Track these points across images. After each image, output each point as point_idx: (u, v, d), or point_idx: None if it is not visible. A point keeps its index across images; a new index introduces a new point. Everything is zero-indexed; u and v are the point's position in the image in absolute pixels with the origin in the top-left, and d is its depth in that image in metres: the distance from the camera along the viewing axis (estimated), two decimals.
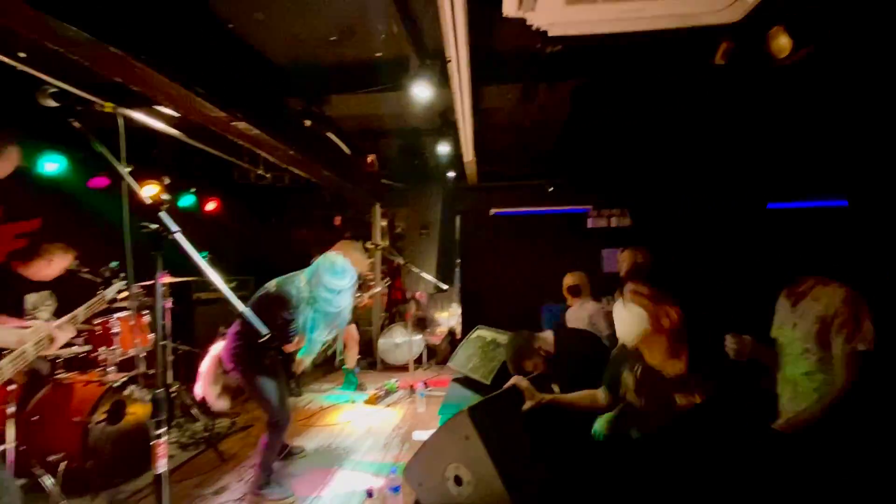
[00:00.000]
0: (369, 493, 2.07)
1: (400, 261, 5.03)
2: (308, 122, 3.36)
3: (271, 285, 2.60)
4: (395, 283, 6.49)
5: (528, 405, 1.79)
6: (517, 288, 5.89)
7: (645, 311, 1.42)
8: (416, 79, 2.71)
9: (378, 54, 3.00)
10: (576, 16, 1.90)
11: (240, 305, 1.26)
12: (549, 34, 2.12)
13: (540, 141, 4.58)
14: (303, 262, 5.78)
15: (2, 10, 1.61)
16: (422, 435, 3.40)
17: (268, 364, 2.54)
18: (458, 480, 1.59)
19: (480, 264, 6.24)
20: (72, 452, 2.52)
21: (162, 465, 1.11)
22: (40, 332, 1.49)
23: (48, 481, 2.39)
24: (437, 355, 5.92)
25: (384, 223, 6.65)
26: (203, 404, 2.78)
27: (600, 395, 1.90)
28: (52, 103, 1.26)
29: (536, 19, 1.93)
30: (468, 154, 4.23)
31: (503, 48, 2.86)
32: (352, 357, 4.75)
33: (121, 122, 1.27)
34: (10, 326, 1.54)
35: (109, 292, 1.62)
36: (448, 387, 3.42)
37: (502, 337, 3.44)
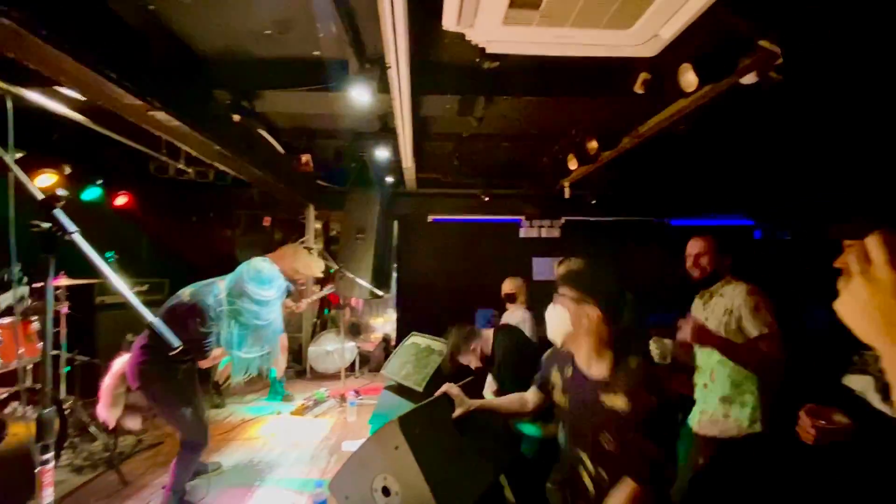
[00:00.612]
0: None
1: (333, 265, 4.89)
2: (237, 118, 3.17)
3: (185, 293, 2.36)
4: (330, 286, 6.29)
5: (457, 412, 1.81)
6: (453, 294, 5.97)
7: (568, 311, 1.49)
8: (355, 82, 2.67)
9: (316, 53, 2.92)
10: (512, 36, 1.98)
11: (148, 314, 1.15)
12: (487, 51, 2.19)
13: (478, 151, 4.70)
14: (226, 263, 5.42)
15: None
16: (351, 445, 3.31)
17: (180, 379, 2.31)
18: (385, 492, 1.56)
19: (417, 270, 6.25)
20: None
21: (48, 496, 0.98)
22: None
23: None
24: (370, 362, 5.82)
25: (318, 226, 6.44)
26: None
27: (530, 397, 1.95)
28: None
29: (475, 36, 1.99)
30: (407, 160, 4.23)
31: (444, 59, 2.91)
32: (279, 366, 4.52)
33: (9, 103, 1.12)
34: None
35: (3, 300, 1.34)
36: (380, 395, 3.37)
37: (437, 344, 3.46)
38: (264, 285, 2.30)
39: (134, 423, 2.33)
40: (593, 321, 1.43)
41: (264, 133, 4.03)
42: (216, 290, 2.33)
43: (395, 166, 4.83)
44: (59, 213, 1.03)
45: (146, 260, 5.25)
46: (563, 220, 6.15)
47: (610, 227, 6.12)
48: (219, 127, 3.25)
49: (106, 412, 2.32)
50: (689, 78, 2.37)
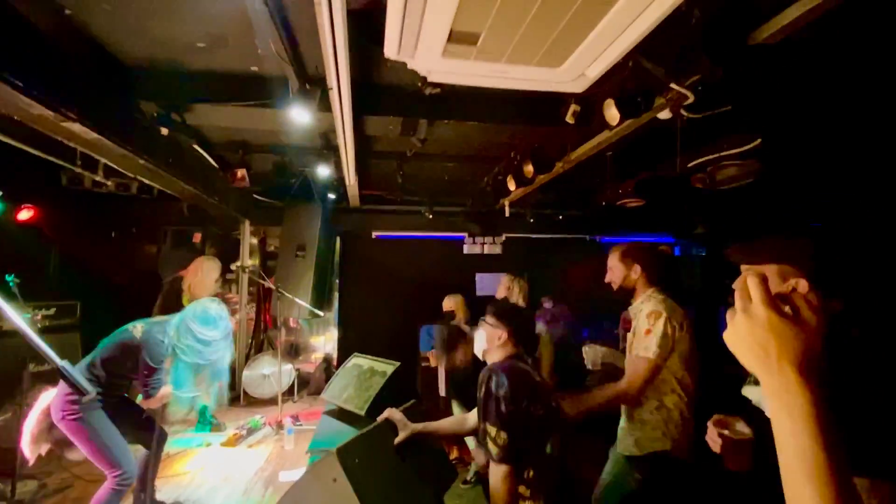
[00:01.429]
0: None
1: (270, 285, 4.70)
2: (165, 131, 2.99)
3: (137, 330, 2.33)
4: (264, 306, 6.02)
5: (399, 438, 1.81)
6: (397, 310, 5.94)
7: (485, 332, 1.85)
8: (295, 102, 2.63)
9: (254, 68, 2.84)
10: (451, 68, 2.06)
11: (57, 359, 1.05)
12: (428, 79, 2.26)
13: (422, 170, 4.77)
14: (148, 282, 5.03)
15: None
16: (289, 475, 3.17)
17: (110, 412, 2.23)
18: None
19: (360, 287, 6.16)
20: None
21: None
22: None
23: None
24: (310, 385, 5.61)
25: (254, 241, 6.16)
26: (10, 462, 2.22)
27: (470, 417, 2.00)
28: None
29: (416, 65, 2.05)
30: (350, 178, 4.19)
31: (387, 82, 2.95)
32: (208, 395, 4.23)
33: None
34: None
35: None
36: (319, 420, 3.26)
37: (380, 364, 3.41)
38: (209, 325, 2.34)
39: (75, 455, 2.13)
40: (503, 341, 1.82)
41: (196, 146, 3.83)
42: (168, 327, 2.31)
43: (338, 182, 4.77)
44: None
45: (54, 280, 4.73)
46: (504, 236, 6.36)
47: (548, 243, 6.41)
48: (144, 140, 3.05)
49: (30, 448, 2.15)
50: (612, 112, 2.58)
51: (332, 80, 2.30)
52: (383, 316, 5.96)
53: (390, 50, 1.91)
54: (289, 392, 5.22)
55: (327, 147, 3.99)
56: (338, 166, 4.18)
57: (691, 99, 2.37)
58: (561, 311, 5.05)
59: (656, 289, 2.20)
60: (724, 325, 0.75)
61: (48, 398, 2.24)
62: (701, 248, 6.89)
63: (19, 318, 0.96)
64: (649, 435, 2.02)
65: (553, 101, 3.04)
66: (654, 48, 2.24)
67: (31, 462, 2.23)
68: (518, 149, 4.07)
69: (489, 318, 1.88)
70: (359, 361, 3.87)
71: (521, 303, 3.60)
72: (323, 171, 4.32)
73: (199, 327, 2.30)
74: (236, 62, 2.79)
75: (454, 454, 4.12)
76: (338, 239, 6.11)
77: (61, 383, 2.18)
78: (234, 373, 5.25)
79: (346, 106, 2.58)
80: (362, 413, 3.21)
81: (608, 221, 6.42)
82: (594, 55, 1.95)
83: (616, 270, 2.28)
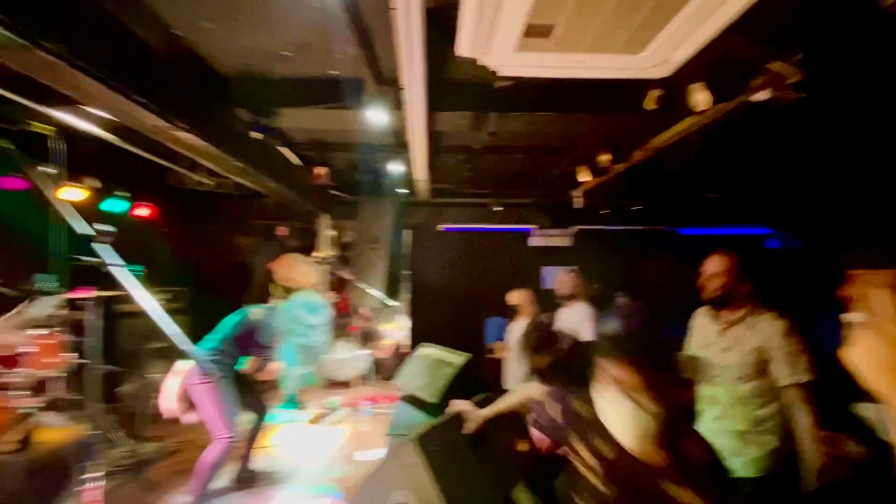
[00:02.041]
0: None
1: (347, 276, 4.97)
2: (257, 135, 3.26)
3: (255, 312, 2.72)
4: (341, 295, 6.38)
5: (469, 427, 1.85)
6: (464, 302, 6.02)
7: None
8: (371, 103, 2.74)
9: (333, 72, 3.00)
10: (525, 61, 2.03)
11: (188, 346, 1.22)
12: (499, 74, 2.25)
13: (490, 163, 4.76)
14: (241, 272, 5.53)
15: None
16: (364, 456, 3.37)
17: (224, 384, 2.57)
18: None
19: (428, 278, 6.31)
20: None
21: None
22: None
23: None
24: (383, 370, 5.88)
25: (332, 233, 6.54)
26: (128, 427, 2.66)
27: (534, 392, 1.88)
28: None
29: (488, 61, 2.04)
30: (420, 173, 4.30)
31: (457, 78, 2.97)
32: (285, 377, 4.60)
33: (59, 145, 1.20)
34: None
35: (34, 310, 1.41)
36: (396, 405, 3.42)
37: (449, 356, 3.50)
38: (313, 313, 2.62)
39: (190, 417, 2.53)
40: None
41: (280, 147, 4.13)
42: (278, 313, 2.73)
43: (408, 177, 4.90)
44: (101, 248, 1.10)
45: (168, 269, 5.39)
46: (575, 229, 6.16)
47: (622, 236, 6.10)
48: (238, 143, 3.36)
49: (172, 404, 2.57)
50: (700, 97, 2.39)
51: (406, 79, 2.37)
52: (450, 307, 6.07)
53: (463, 48, 1.93)
54: (364, 376, 5.51)
55: (398, 143, 4.11)
56: (408, 161, 4.30)
57: (795, 77, 2.13)
58: (636, 308, 4.81)
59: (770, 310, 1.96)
60: (822, 331, 0.68)
61: (185, 365, 2.57)
62: (798, 241, 6.15)
63: (163, 317, 1.12)
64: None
65: (630, 88, 2.88)
66: (748, 23, 2.04)
67: (171, 417, 2.66)
68: (591, 138, 3.92)
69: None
70: (427, 351, 4.00)
71: (587, 299, 3.52)
72: (394, 167, 4.46)
73: (305, 314, 2.65)
74: (317, 68, 2.97)
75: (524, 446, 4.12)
76: (406, 232, 6.30)
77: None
78: None
79: (418, 103, 2.64)
80: (435, 401, 3.32)
81: (690, 212, 5.96)
82: (680, 39, 1.82)
83: (718, 279, 2.01)
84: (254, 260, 6.02)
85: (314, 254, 5.99)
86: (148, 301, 1.12)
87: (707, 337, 2.07)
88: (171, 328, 1.14)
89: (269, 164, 4.05)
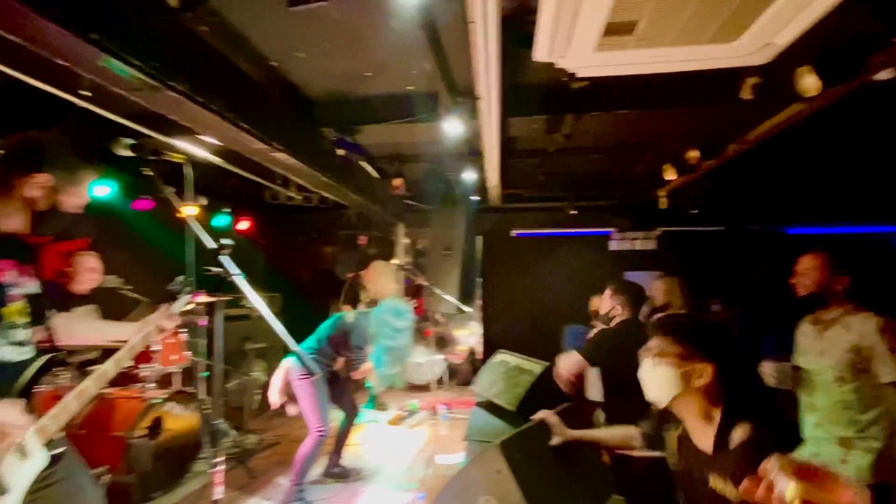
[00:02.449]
0: None
1: (423, 282, 5.11)
2: (341, 152, 3.50)
3: (349, 316, 2.96)
4: (416, 301, 6.57)
5: (555, 441, 1.81)
6: (539, 309, 5.90)
7: (673, 370, 1.25)
8: (447, 115, 2.82)
9: (409, 88, 3.14)
10: (605, 61, 1.97)
11: (294, 345, 1.36)
12: (578, 75, 2.20)
13: (564, 166, 4.64)
14: (326, 278, 5.89)
15: (68, 53, 1.78)
16: (445, 459, 3.43)
17: (327, 380, 2.86)
18: None
19: (502, 285, 6.28)
20: (114, 466, 2.64)
21: (219, 492, 1.19)
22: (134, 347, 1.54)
23: None
24: (458, 375, 5.95)
25: (407, 241, 6.77)
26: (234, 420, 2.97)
27: (635, 435, 1.73)
28: (127, 153, 1.40)
29: (566, 64, 2.01)
30: (493, 180, 4.31)
31: (530, 82, 2.96)
32: (374, 376, 4.82)
33: (189, 170, 1.40)
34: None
35: (178, 306, 1.66)
36: (472, 410, 3.44)
37: (526, 363, 3.45)
38: (399, 317, 2.97)
39: (292, 410, 2.85)
40: (704, 383, 1.19)
41: (362, 163, 4.38)
42: (369, 317, 2.95)
43: (480, 184, 4.94)
44: (225, 260, 1.26)
45: (263, 277, 5.94)
46: (659, 230, 5.78)
47: (713, 237, 5.61)
48: (325, 160, 3.62)
49: (275, 395, 2.90)
50: (809, 81, 2.15)
51: (481, 89, 2.40)
52: (524, 314, 5.98)
53: (540, 53, 1.92)
54: (439, 380, 5.62)
55: (471, 151, 4.17)
56: (480, 168, 4.34)
57: None
58: (731, 316, 4.39)
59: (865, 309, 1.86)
60: None
61: (289, 362, 2.89)
62: None
63: (274, 318, 1.25)
64: None
65: (720, 78, 2.66)
66: None
67: (275, 407, 2.98)
68: (677, 134, 3.67)
69: (672, 344, 1.27)
70: (505, 358, 3.97)
71: (681, 308, 3.24)
72: (467, 175, 4.53)
73: (393, 319, 2.92)
74: (394, 85, 3.12)
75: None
76: (479, 238, 6.34)
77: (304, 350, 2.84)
78: None
79: (493, 111, 2.67)
80: (513, 409, 3.30)
81: (797, 208, 5.31)
82: (786, 20, 1.66)
83: (809, 276, 1.93)
84: (338, 267, 6.45)
85: (392, 261, 6.26)
86: (262, 305, 1.26)
87: (806, 343, 2.00)
88: (281, 328, 1.27)
89: (351, 178, 4.31)
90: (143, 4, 1.95)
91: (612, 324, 2.97)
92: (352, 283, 3.23)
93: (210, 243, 1.28)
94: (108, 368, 1.42)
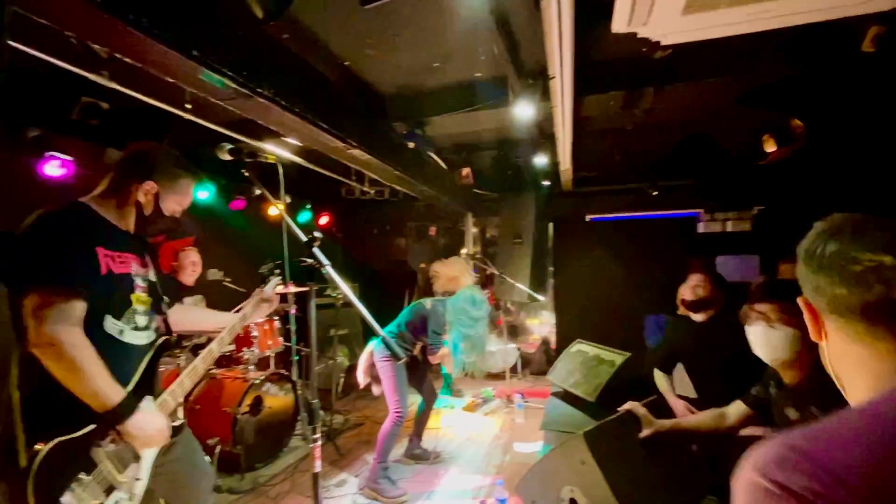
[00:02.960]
0: None
1: (493, 270, 5.09)
2: (412, 145, 3.57)
3: (426, 302, 3.11)
4: (487, 290, 6.57)
5: (645, 433, 1.73)
6: (617, 297, 5.62)
7: (790, 329, 1.41)
8: (517, 98, 2.76)
9: (477, 75, 3.11)
10: (693, 24, 1.80)
11: (378, 329, 1.43)
12: (662, 43, 2.03)
13: (644, 144, 4.34)
14: (399, 269, 6.07)
15: (174, 70, 1.98)
16: (523, 447, 3.42)
17: (407, 364, 3.04)
18: (573, 503, 1.59)
19: (575, 272, 6.06)
20: (224, 438, 2.97)
21: (318, 466, 1.29)
22: (234, 328, 1.74)
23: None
24: (531, 365, 5.88)
25: (475, 231, 6.78)
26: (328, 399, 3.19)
27: (731, 412, 1.75)
28: (227, 157, 1.54)
29: (648, 32, 1.87)
30: (565, 163, 4.16)
31: (606, 58, 2.79)
32: (450, 363, 4.91)
33: (280, 169, 1.50)
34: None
35: (269, 287, 1.90)
36: (548, 400, 3.39)
37: (606, 353, 3.32)
38: (476, 307, 2.98)
39: (377, 390, 3.03)
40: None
41: (432, 154, 4.44)
42: (446, 304, 3.04)
43: (552, 168, 4.78)
44: (317, 251, 1.35)
45: (341, 268, 6.29)
46: (754, 210, 5.21)
47: (821, 216, 4.94)
48: (396, 154, 3.72)
49: (361, 375, 3.12)
50: None
51: (554, 68, 2.31)
52: (600, 302, 5.72)
53: (619, 23, 1.80)
54: (513, 369, 5.59)
55: (542, 135, 4.05)
56: (551, 152, 4.20)
57: None
58: None
59: None
60: None
61: (373, 345, 3.09)
62: None
63: (359, 303, 1.32)
64: None
65: (831, 31, 2.31)
66: None
67: (362, 386, 3.16)
68: (775, 102, 3.26)
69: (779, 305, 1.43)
70: (583, 348, 3.85)
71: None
72: (537, 160, 4.41)
73: (470, 308, 2.95)
74: (462, 73, 3.10)
75: None
76: (550, 224, 6.16)
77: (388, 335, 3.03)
78: None
79: (566, 91, 2.56)
80: (592, 400, 3.20)
81: None
82: None
83: None
84: (410, 258, 6.65)
85: (462, 251, 6.31)
86: (349, 292, 1.33)
87: None
88: (366, 313, 1.34)
89: (421, 170, 4.39)
90: (233, 18, 2.12)
91: (701, 313, 2.74)
92: (424, 273, 3.33)
93: (302, 236, 1.38)
94: (213, 348, 1.64)
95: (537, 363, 5.82)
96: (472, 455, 3.35)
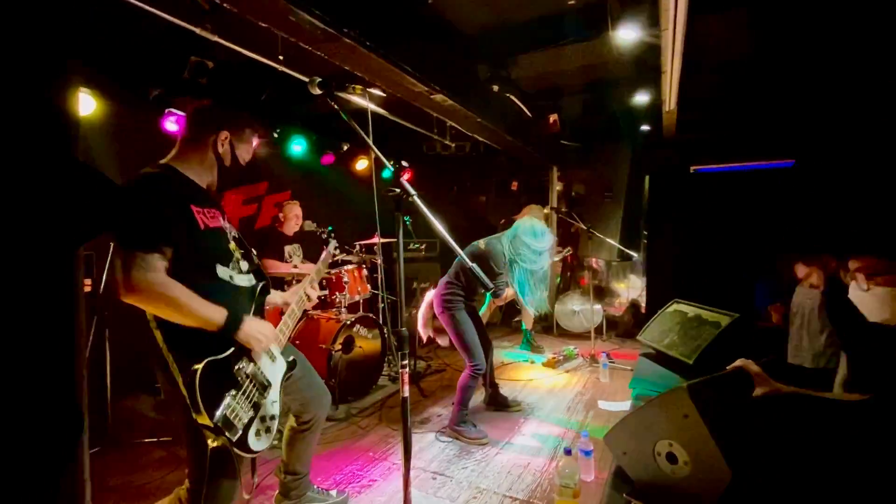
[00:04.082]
0: (567, 452, 2.10)
1: (581, 225, 4.81)
2: (496, 88, 3.40)
3: (480, 243, 2.90)
4: (571, 247, 6.28)
5: (759, 392, 1.53)
6: (720, 259, 5.04)
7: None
8: (617, 23, 2.44)
9: (570, 2, 2.80)
10: None
11: (468, 261, 1.39)
12: None
13: (772, 76, 3.70)
14: (479, 225, 6.03)
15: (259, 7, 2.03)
16: (609, 406, 3.29)
17: (467, 312, 2.88)
18: (671, 458, 1.48)
19: (673, 230, 5.52)
20: (320, 372, 3.21)
21: (405, 391, 1.32)
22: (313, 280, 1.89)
23: None
24: (618, 327, 5.59)
25: (560, 187, 6.44)
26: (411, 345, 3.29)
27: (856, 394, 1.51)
28: (318, 91, 1.55)
29: None
30: (670, 103, 3.69)
31: None
32: (528, 318, 4.84)
33: (366, 101, 1.49)
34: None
35: (330, 247, 2.11)
36: (638, 361, 3.19)
37: (709, 313, 3.02)
38: (538, 238, 2.74)
39: (443, 341, 3.04)
40: None
41: (515, 99, 4.20)
42: (502, 240, 2.84)
43: (651, 112, 4.30)
44: (404, 182, 1.32)
45: (422, 224, 6.40)
46: None
47: None
48: (480, 100, 3.57)
49: (421, 329, 3.13)
50: None
51: None
52: (701, 264, 5.17)
53: None
54: (597, 330, 5.37)
55: (641, 73, 3.61)
56: (654, 91, 3.75)
57: None
58: None
59: None
60: None
61: (430, 296, 3.10)
62: None
63: (448, 238, 1.31)
64: None
65: None
66: None
67: (424, 340, 3.17)
68: None
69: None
70: (682, 308, 3.53)
71: None
72: (634, 100, 3.98)
73: (530, 240, 2.72)
74: (552, 4, 2.82)
75: None
76: (646, 178, 5.62)
77: (440, 285, 2.98)
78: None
79: (681, 7, 2.20)
80: (690, 362, 2.94)
81: None
82: None
83: None
84: (493, 215, 6.54)
85: (546, 207, 6.05)
86: (438, 224, 1.31)
87: None
88: (452, 243, 1.33)
89: (505, 118, 4.19)
90: None
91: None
92: (504, 228, 3.17)
93: (390, 167, 1.36)
94: (310, 294, 1.83)
95: (625, 325, 5.52)
96: (553, 408, 3.31)
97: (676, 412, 1.44)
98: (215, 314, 1.35)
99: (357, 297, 3.75)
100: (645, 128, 4.75)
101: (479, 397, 3.34)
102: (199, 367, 1.27)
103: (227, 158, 1.57)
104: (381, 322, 3.77)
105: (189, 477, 1.46)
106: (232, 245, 1.55)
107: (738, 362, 1.67)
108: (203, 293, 1.35)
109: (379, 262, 4.00)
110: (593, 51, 2.98)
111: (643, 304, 5.81)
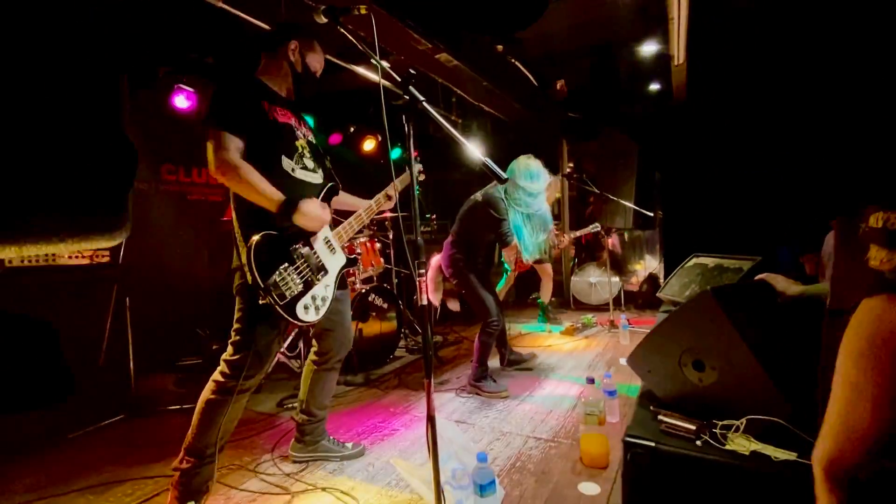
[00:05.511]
0: (591, 380, 2.06)
1: (595, 190, 4.74)
2: (500, 48, 3.37)
3: (477, 195, 2.82)
4: (585, 215, 6.18)
5: (788, 292, 1.49)
6: (737, 225, 4.92)
7: None
8: None
9: None
10: None
11: (479, 155, 1.37)
12: None
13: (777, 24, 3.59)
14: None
15: None
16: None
17: (480, 269, 2.82)
18: (698, 366, 1.43)
19: (687, 196, 5.41)
20: None
21: (425, 299, 1.30)
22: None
23: None
24: (636, 299, 5.51)
25: (571, 165, 6.36)
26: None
27: None
28: (323, 19, 1.55)
29: None
30: (678, 56, 3.62)
31: None
32: (546, 292, 4.79)
33: (373, 20, 1.49)
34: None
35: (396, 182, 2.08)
36: (658, 317, 3.13)
37: (731, 262, 2.95)
38: (533, 179, 2.67)
39: (454, 305, 2.98)
40: None
41: (519, 65, 4.17)
42: (499, 188, 2.77)
43: (661, 69, 4.22)
44: (412, 89, 1.31)
45: (435, 202, 6.40)
46: None
47: None
48: (485, 62, 3.54)
49: (432, 296, 3.08)
50: None
51: None
52: (719, 230, 5.06)
53: None
54: (615, 302, 5.30)
55: (649, 25, 3.55)
56: (662, 46, 3.68)
57: None
58: None
59: None
60: None
61: (436, 260, 3.06)
62: None
63: (462, 138, 1.31)
64: None
65: None
66: None
67: (437, 306, 3.19)
68: None
69: None
70: (701, 260, 3.45)
71: None
72: (643, 55, 3.90)
73: (526, 182, 2.65)
74: None
75: None
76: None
77: (445, 246, 2.92)
78: (562, 282, 5.73)
79: None
80: None
81: None
82: None
83: None
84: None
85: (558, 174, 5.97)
86: (452, 129, 1.33)
87: None
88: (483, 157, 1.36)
89: (511, 84, 4.16)
90: None
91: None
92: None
93: (397, 78, 1.35)
94: (373, 205, 1.97)
95: (645, 296, 5.43)
96: (573, 367, 3.26)
97: (702, 318, 1.39)
98: (275, 195, 1.57)
99: (370, 271, 3.74)
100: (655, 86, 4.66)
101: (494, 363, 3.30)
102: (257, 236, 1.52)
103: (298, 65, 1.77)
104: (396, 294, 3.77)
105: (233, 347, 1.62)
106: (301, 142, 1.75)
107: (761, 275, 1.63)
108: (268, 178, 1.57)
109: (390, 235, 3.99)
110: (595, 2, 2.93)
111: (662, 277, 5.71)
